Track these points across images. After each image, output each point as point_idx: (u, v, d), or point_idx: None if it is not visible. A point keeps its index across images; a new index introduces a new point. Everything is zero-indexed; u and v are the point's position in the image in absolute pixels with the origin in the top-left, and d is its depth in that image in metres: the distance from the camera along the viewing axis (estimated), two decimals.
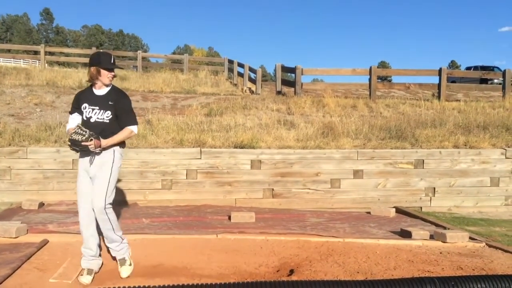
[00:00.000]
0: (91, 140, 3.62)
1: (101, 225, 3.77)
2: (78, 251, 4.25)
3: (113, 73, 3.84)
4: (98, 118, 3.78)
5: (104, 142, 3.72)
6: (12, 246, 4.36)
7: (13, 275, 3.61)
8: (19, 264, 3.82)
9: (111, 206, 3.78)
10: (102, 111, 3.78)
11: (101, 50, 3.96)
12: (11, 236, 4.59)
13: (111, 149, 3.82)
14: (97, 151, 3.72)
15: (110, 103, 3.80)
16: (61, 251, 4.33)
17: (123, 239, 3.92)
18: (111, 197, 3.79)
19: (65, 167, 7.17)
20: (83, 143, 3.61)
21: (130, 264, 3.94)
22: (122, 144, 3.95)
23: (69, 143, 3.67)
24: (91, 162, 3.78)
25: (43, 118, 9.10)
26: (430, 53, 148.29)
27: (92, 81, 3.85)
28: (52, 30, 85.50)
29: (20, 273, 3.68)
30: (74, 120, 3.85)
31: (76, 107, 3.89)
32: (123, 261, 3.90)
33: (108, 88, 3.87)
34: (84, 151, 3.73)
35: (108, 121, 3.79)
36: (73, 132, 3.66)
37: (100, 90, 3.85)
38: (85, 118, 3.80)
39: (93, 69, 3.78)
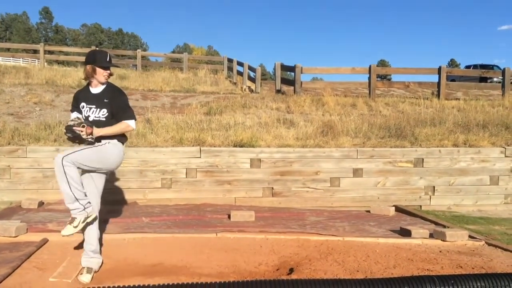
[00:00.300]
0: (83, 126, 3.64)
1: (57, 178, 3.60)
2: (77, 250, 4.26)
3: (108, 71, 3.83)
4: (95, 116, 3.79)
5: (96, 131, 3.71)
6: (11, 245, 4.36)
7: (12, 274, 3.61)
8: (18, 263, 3.82)
9: (72, 165, 3.58)
10: (98, 109, 3.79)
11: (97, 48, 3.95)
12: (11, 235, 4.59)
13: (106, 141, 3.79)
14: (89, 139, 3.69)
15: (105, 100, 3.80)
16: (60, 250, 4.33)
17: (78, 199, 3.63)
18: (75, 160, 3.59)
19: None
20: (74, 128, 3.63)
21: (76, 227, 3.65)
22: (121, 138, 3.91)
23: (64, 131, 3.71)
24: None
25: (43, 117, 9.10)
26: (429, 52, 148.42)
27: (88, 79, 3.85)
28: (52, 29, 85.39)
29: (19, 272, 3.69)
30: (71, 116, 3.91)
31: (75, 106, 3.91)
32: (71, 220, 3.68)
33: (104, 86, 3.87)
34: (78, 139, 3.70)
35: (104, 119, 3.79)
36: (69, 120, 3.73)
37: (96, 89, 3.85)
38: (84, 117, 3.82)
39: (88, 67, 3.78)
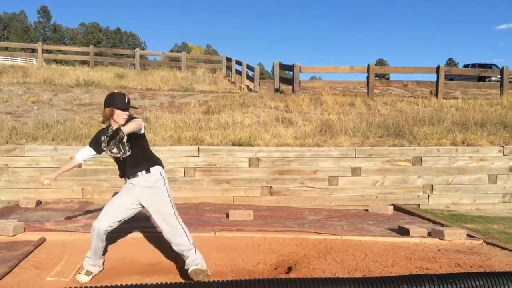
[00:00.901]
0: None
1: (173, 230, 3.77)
2: (75, 249, 4.26)
3: (127, 113, 3.80)
4: (123, 154, 3.74)
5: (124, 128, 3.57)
6: (9, 244, 4.35)
7: (10, 273, 3.60)
8: (16, 263, 3.81)
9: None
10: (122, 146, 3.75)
11: (116, 91, 3.99)
12: (9, 234, 4.58)
13: (156, 171, 3.85)
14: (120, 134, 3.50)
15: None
16: (58, 249, 4.32)
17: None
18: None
19: (62, 165, 7.14)
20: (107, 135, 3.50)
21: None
22: (161, 163, 3.92)
23: (106, 144, 3.51)
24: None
25: (40, 116, 9.08)
26: (428, 51, 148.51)
27: (106, 121, 3.84)
28: (50, 28, 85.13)
29: (17, 272, 3.67)
30: (87, 152, 4.00)
31: (94, 143, 3.94)
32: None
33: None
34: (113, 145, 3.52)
35: (130, 150, 3.70)
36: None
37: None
38: (114, 158, 3.79)
39: (107, 110, 3.75)
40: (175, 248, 3.77)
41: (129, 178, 3.84)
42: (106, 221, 3.70)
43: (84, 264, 3.79)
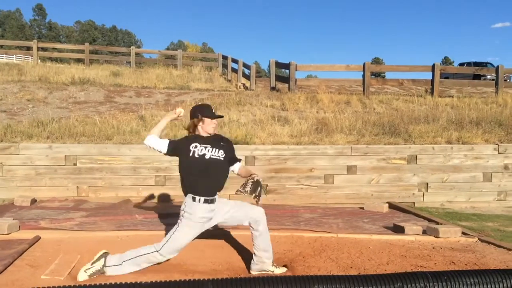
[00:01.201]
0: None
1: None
2: (70, 248, 4.25)
3: (216, 121, 3.81)
4: (212, 155, 3.72)
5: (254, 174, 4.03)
6: (4, 243, 4.33)
7: (4, 272, 3.58)
8: (10, 261, 3.79)
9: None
10: (215, 149, 3.73)
11: (200, 103, 4.06)
12: (3, 232, 4.56)
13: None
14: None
15: (221, 143, 3.81)
16: (53, 247, 4.31)
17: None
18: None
19: (57, 163, 7.13)
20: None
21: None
22: None
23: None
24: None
25: (36, 114, 9.04)
26: (423, 50, 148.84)
27: (194, 131, 3.80)
28: (45, 25, 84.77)
29: (11, 270, 3.66)
30: (161, 141, 3.83)
31: (172, 145, 3.81)
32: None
33: (212, 135, 3.82)
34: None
35: (222, 159, 3.78)
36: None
37: (205, 136, 3.80)
38: (197, 156, 3.66)
39: (195, 119, 3.76)
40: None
41: (209, 200, 3.78)
42: (172, 253, 3.73)
43: (107, 267, 3.65)
